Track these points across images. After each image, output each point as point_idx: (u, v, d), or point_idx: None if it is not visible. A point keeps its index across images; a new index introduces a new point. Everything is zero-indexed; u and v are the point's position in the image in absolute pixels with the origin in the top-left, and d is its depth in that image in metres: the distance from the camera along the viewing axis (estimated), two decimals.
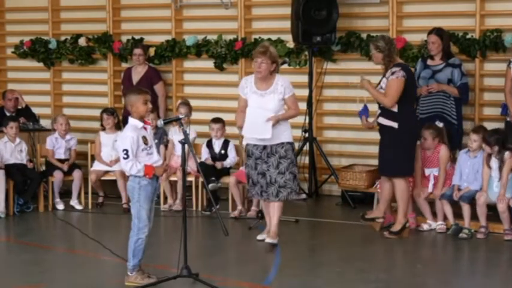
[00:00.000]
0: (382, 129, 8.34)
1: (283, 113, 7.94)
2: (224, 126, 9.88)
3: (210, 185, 9.18)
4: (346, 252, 7.92)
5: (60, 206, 9.97)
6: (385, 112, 8.26)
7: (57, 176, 9.93)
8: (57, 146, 10.15)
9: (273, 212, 8.03)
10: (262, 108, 7.85)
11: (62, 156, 10.12)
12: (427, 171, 8.73)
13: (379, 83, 8.34)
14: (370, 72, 9.84)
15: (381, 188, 8.67)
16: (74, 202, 10.05)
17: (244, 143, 8.34)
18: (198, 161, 9.00)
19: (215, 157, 9.80)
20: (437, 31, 9.24)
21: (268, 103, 7.88)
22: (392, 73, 8.14)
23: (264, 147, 7.93)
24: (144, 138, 6.62)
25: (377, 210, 8.66)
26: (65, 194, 10.39)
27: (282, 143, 7.92)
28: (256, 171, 7.99)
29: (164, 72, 11.41)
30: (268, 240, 8.03)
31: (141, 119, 6.67)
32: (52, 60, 12.13)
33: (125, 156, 6.53)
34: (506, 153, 8.28)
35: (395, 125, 8.19)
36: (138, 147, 6.56)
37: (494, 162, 8.36)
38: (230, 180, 9.49)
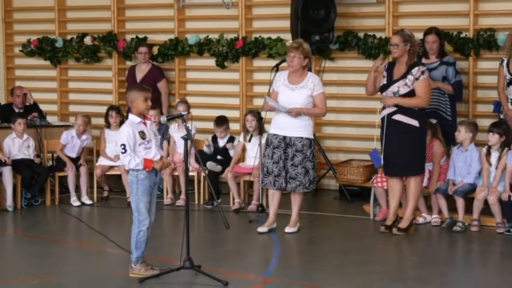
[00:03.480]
0: (396, 126, 8.13)
1: (308, 107, 8.10)
2: (228, 127, 10.01)
3: (208, 163, 9.28)
4: (343, 245, 8.01)
5: (76, 203, 9.91)
6: (404, 109, 8.07)
7: (71, 173, 9.97)
8: (72, 143, 10.16)
9: (293, 203, 8.29)
10: (291, 104, 8.04)
11: (74, 155, 10.16)
12: None
13: (392, 80, 8.17)
14: (365, 70, 10.03)
15: (392, 189, 8.39)
16: (84, 198, 10.05)
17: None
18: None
19: (218, 151, 9.94)
20: (436, 30, 9.28)
21: (297, 98, 8.05)
22: (422, 72, 8.07)
23: (284, 137, 8.12)
24: (142, 132, 6.64)
25: (391, 214, 8.42)
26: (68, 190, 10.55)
27: (301, 138, 8.09)
28: (272, 160, 8.16)
29: (167, 70, 11.50)
30: (287, 229, 8.27)
31: (141, 115, 6.71)
32: (58, 58, 12.23)
33: (123, 150, 6.57)
34: (505, 150, 8.39)
35: (416, 123, 8.08)
36: (135, 142, 6.59)
37: (493, 158, 8.45)
38: (227, 174, 9.57)
